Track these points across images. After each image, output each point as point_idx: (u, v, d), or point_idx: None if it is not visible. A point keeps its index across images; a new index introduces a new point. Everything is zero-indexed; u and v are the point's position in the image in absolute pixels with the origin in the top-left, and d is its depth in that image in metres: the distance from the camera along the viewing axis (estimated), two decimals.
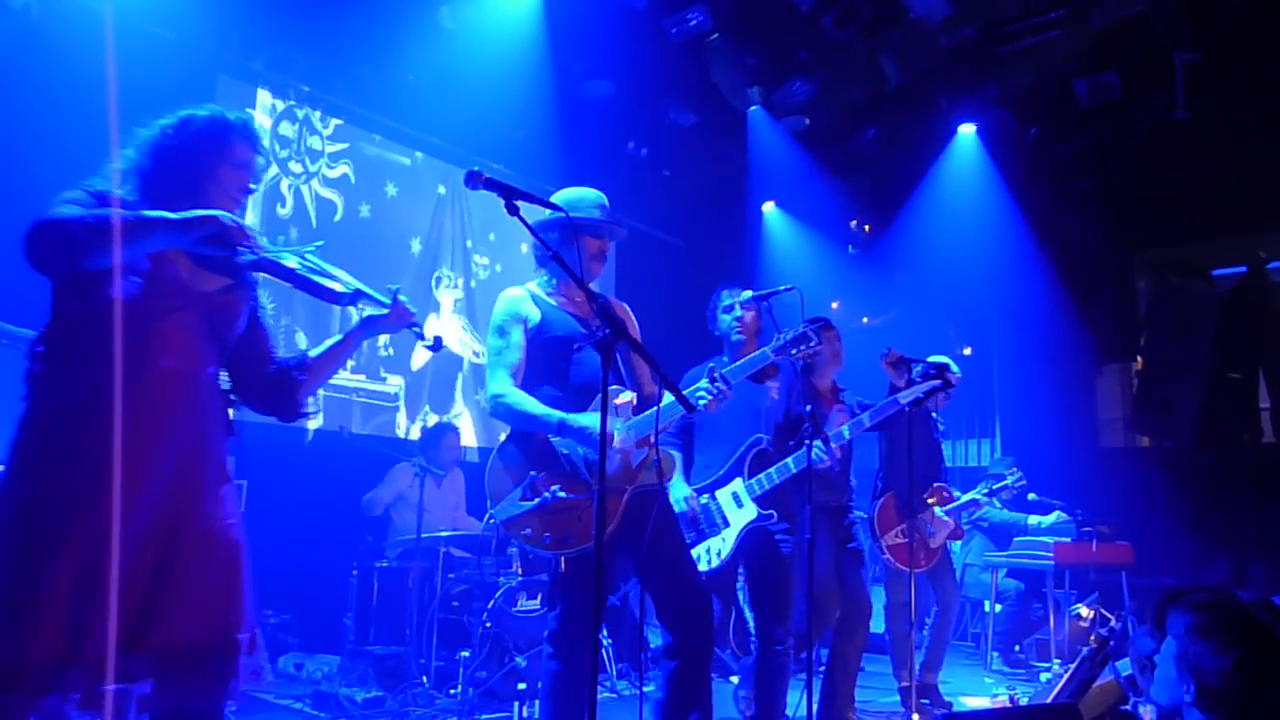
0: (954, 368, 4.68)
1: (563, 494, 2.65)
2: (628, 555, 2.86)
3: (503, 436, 2.86)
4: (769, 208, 8.54)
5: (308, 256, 2.15)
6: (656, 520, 2.74)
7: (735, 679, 4.54)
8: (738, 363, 3.07)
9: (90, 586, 1.79)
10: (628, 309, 3.11)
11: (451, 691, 4.36)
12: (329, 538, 5.11)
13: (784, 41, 6.55)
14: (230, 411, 2.13)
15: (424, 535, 4.55)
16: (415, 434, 6.03)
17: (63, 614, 1.77)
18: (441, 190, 6.71)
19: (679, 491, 3.45)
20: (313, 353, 2.25)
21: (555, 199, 2.95)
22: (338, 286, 2.16)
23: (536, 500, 2.67)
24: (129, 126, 4.14)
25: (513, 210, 2.18)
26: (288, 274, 2.10)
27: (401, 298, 2.25)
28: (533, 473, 2.71)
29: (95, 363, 1.86)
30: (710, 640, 2.80)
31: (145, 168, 2.03)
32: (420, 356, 6.34)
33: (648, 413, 2.78)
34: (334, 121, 6.06)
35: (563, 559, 2.67)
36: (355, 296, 2.19)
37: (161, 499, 1.90)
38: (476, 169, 2.17)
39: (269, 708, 4.27)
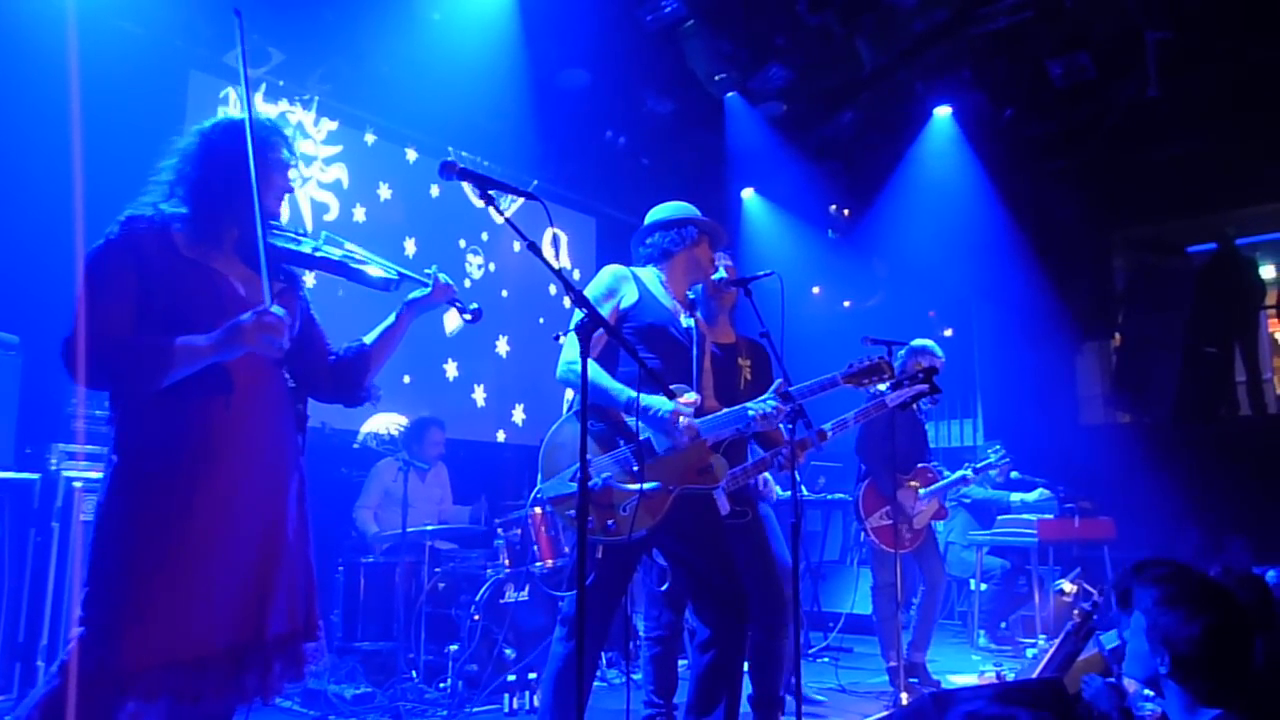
0: (937, 351, 4.70)
1: (614, 482, 2.66)
2: (663, 553, 2.90)
3: (564, 414, 2.86)
4: (748, 194, 8.55)
5: (346, 246, 2.20)
6: (704, 521, 2.80)
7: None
8: (805, 384, 2.96)
9: (198, 590, 1.91)
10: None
11: (441, 685, 4.36)
12: (314, 534, 5.06)
13: (759, 27, 6.55)
14: (303, 410, 2.25)
15: (409, 530, 4.53)
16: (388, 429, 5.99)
17: (169, 617, 1.87)
18: (434, 191, 6.70)
19: None
20: (368, 339, 2.31)
21: (661, 212, 3.11)
22: (382, 273, 2.22)
23: None
24: (98, 125, 4.08)
25: (488, 200, 2.18)
26: (337, 267, 2.17)
27: (441, 276, 2.31)
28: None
29: (175, 389, 1.92)
30: (744, 636, 2.84)
31: (193, 176, 2.05)
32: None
33: (710, 416, 2.82)
34: (327, 126, 6.03)
35: (600, 546, 2.68)
36: (400, 280, 2.26)
37: (256, 501, 2.02)
38: (450, 159, 2.17)
39: (258, 705, 4.23)
